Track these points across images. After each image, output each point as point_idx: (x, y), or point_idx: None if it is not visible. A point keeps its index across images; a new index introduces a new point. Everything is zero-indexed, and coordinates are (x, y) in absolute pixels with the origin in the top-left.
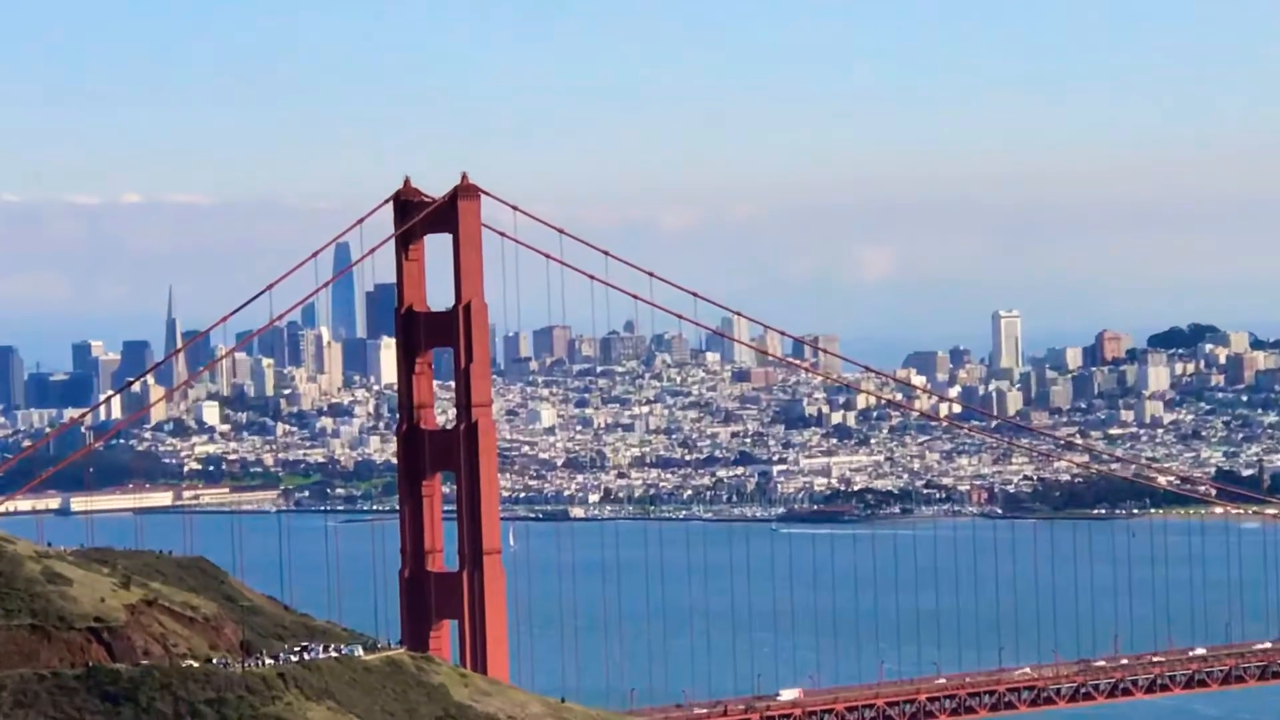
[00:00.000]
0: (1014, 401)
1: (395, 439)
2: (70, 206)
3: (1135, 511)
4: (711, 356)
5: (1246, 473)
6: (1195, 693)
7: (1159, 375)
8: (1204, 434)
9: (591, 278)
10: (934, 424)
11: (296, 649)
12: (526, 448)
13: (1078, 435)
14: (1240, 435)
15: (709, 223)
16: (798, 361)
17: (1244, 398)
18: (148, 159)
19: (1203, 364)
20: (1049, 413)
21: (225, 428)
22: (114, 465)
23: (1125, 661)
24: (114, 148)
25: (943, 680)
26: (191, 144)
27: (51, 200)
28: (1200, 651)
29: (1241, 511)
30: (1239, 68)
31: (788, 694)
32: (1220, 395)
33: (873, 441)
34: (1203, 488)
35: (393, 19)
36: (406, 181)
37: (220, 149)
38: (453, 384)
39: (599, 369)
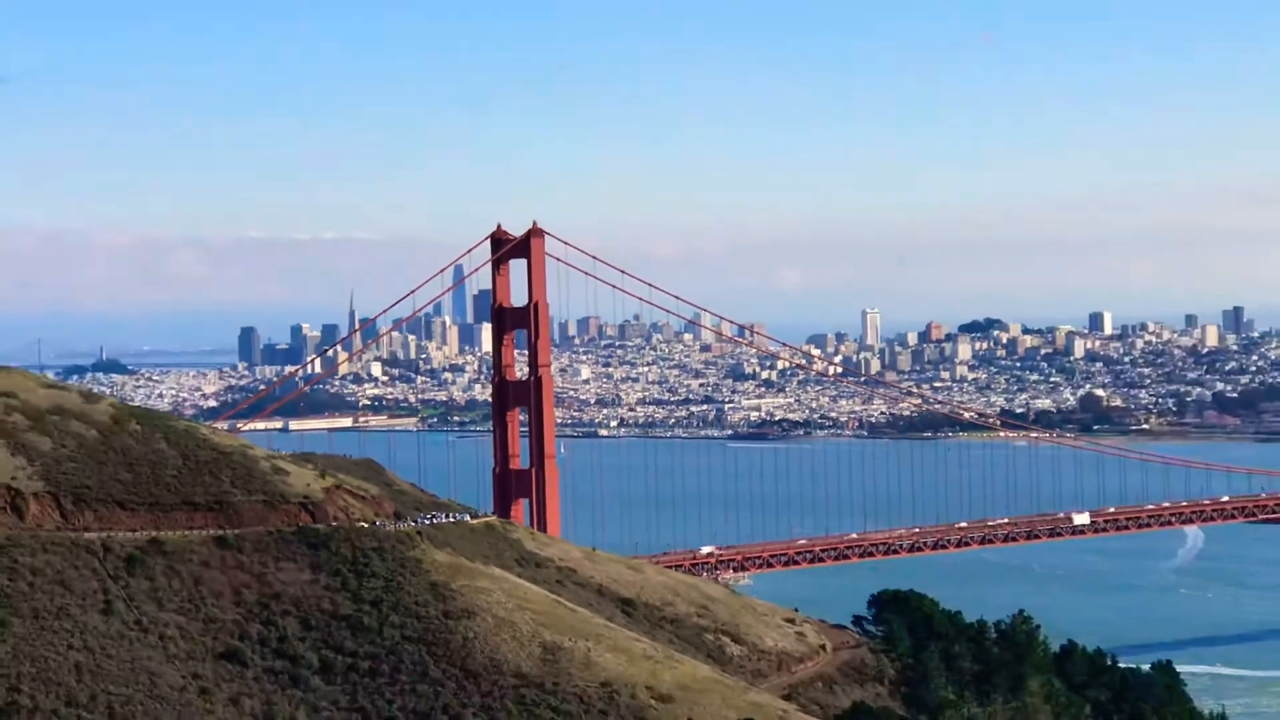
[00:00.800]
0: (875, 365)
1: (491, 386)
2: (292, 241)
3: (949, 435)
4: (688, 336)
5: (1019, 411)
6: (988, 547)
7: (965, 350)
8: (993, 386)
9: (613, 286)
10: (825, 379)
11: (428, 516)
12: (572, 391)
13: (914, 386)
14: (1015, 388)
15: (686, 253)
16: (741, 340)
17: (1017, 364)
18: (337, 208)
19: (992, 343)
20: (896, 373)
21: (385, 378)
22: (316, 401)
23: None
24: (316, 198)
25: (804, 541)
26: (362, 198)
27: (279, 236)
28: (986, 521)
29: (1015, 435)
30: (1027, 140)
31: (706, 549)
32: (1003, 362)
33: (787, 390)
34: (991, 420)
35: (496, 122)
36: (498, 226)
37: (384, 202)
38: (526, 352)
39: (617, 343)
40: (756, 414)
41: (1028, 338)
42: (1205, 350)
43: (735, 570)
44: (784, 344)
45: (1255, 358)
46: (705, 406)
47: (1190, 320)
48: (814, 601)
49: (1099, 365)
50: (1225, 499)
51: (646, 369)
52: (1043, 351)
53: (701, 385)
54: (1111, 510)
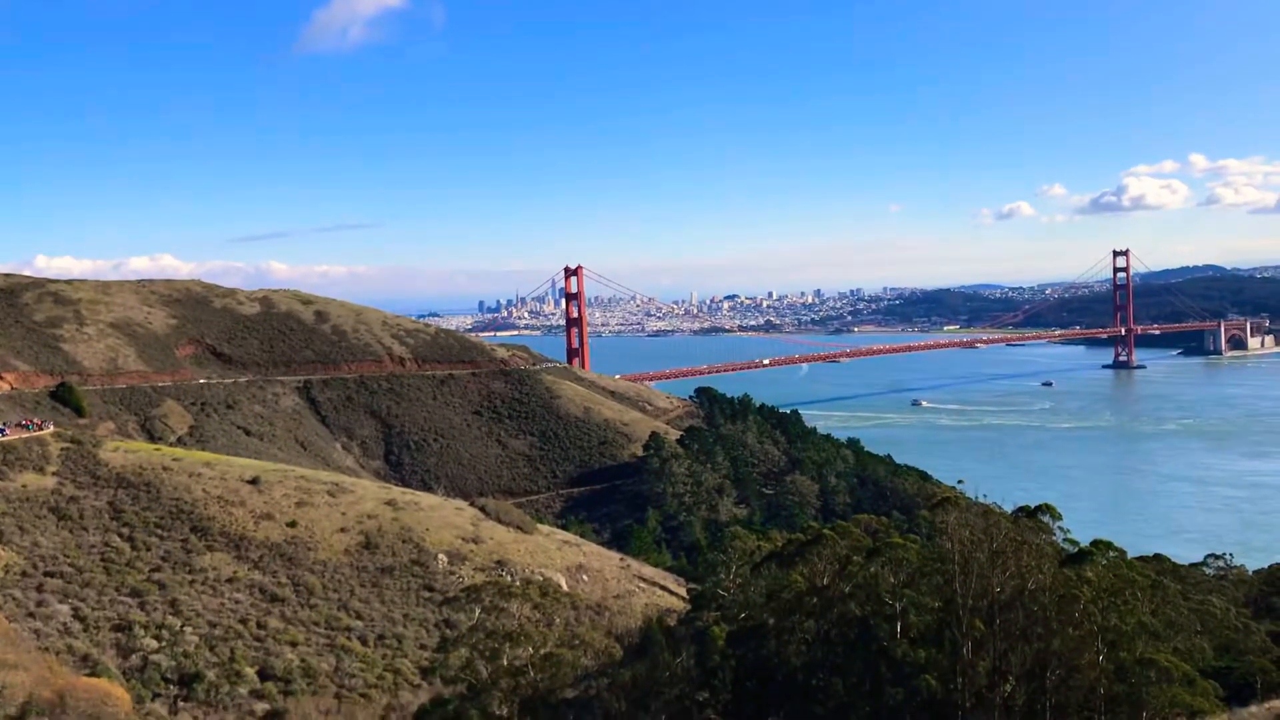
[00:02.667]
0: (695, 310)
1: (565, 320)
2: (495, 270)
3: (722, 334)
4: (631, 301)
5: (745, 325)
6: (737, 371)
7: (726, 305)
8: (736, 318)
9: (606, 284)
10: (679, 315)
11: (543, 364)
12: (592, 321)
13: (709, 317)
14: (743, 319)
15: (633, 269)
16: (649, 302)
17: (745, 310)
18: (510, 254)
19: (736, 303)
20: (703, 313)
21: (529, 318)
22: (504, 324)
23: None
24: (504, 250)
25: (671, 370)
26: (519, 251)
27: (491, 269)
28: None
29: (743, 334)
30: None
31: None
32: (741, 309)
33: (666, 319)
34: (736, 329)
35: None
36: (567, 265)
37: (526, 251)
38: (577, 308)
39: (608, 305)
40: (657, 327)
41: (747, 300)
42: (791, 302)
43: (648, 380)
44: (665, 303)
45: (823, 306)
46: (637, 325)
47: (817, 294)
48: (676, 390)
49: (771, 309)
50: (814, 354)
51: (617, 313)
52: (752, 306)
53: (635, 318)
54: (775, 357)
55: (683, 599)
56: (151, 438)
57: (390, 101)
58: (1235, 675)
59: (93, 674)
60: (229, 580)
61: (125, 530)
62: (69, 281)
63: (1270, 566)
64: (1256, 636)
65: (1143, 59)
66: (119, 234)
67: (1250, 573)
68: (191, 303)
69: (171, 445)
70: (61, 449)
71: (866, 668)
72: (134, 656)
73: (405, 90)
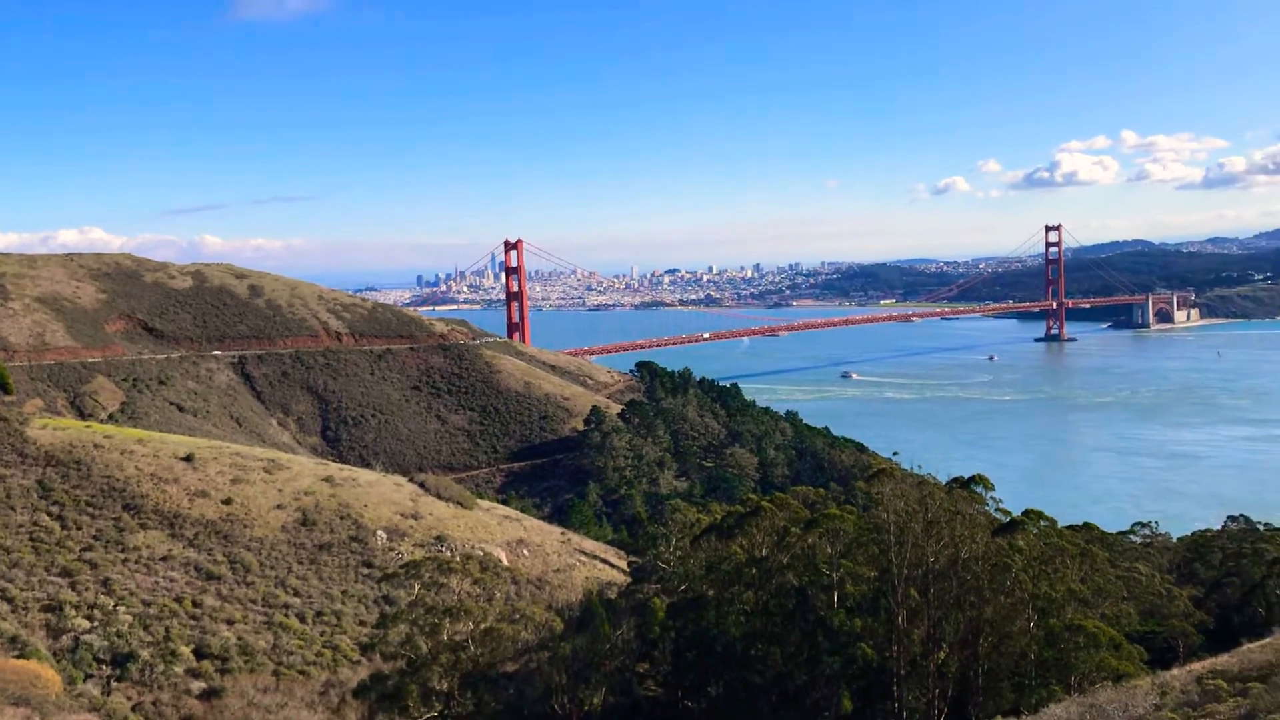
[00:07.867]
0: (636, 284)
1: (505, 294)
2: (437, 244)
3: (663, 308)
4: (571, 276)
5: (685, 299)
6: (678, 345)
7: (667, 279)
8: (675, 292)
9: (545, 257)
10: (619, 289)
11: (484, 338)
12: (532, 296)
13: (650, 291)
14: (683, 292)
15: (575, 243)
16: (589, 276)
17: (685, 284)
18: (452, 228)
19: (676, 277)
20: (644, 286)
21: (468, 292)
22: (443, 299)
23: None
24: (443, 224)
25: (611, 344)
26: (460, 226)
27: (431, 242)
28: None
29: (683, 308)
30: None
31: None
32: (681, 284)
33: (607, 294)
34: (675, 303)
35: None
36: (507, 239)
37: (469, 226)
38: (517, 282)
39: (548, 279)
40: (598, 301)
41: (688, 274)
42: (730, 276)
43: (589, 355)
44: (606, 278)
45: (763, 281)
46: (577, 299)
47: (756, 268)
48: (616, 365)
49: (712, 284)
50: (754, 329)
51: (557, 287)
52: (693, 280)
53: (576, 292)
54: (715, 331)
55: (623, 572)
56: (81, 415)
57: (327, 71)
58: (1159, 639)
59: (21, 655)
60: (163, 559)
61: (55, 509)
62: None
63: (1193, 534)
64: (1179, 602)
65: (1077, 34)
66: (46, 206)
67: (1174, 540)
68: (122, 277)
69: (102, 422)
70: None
71: (804, 637)
72: (65, 637)
73: (342, 60)
